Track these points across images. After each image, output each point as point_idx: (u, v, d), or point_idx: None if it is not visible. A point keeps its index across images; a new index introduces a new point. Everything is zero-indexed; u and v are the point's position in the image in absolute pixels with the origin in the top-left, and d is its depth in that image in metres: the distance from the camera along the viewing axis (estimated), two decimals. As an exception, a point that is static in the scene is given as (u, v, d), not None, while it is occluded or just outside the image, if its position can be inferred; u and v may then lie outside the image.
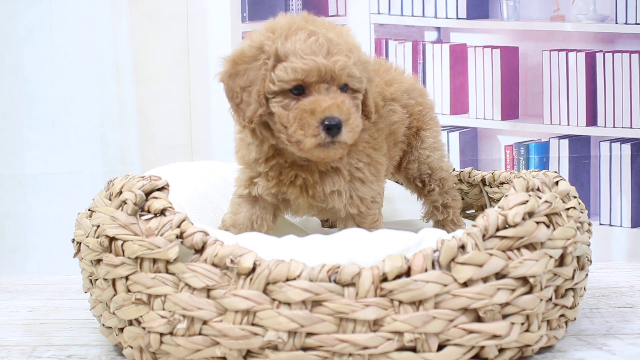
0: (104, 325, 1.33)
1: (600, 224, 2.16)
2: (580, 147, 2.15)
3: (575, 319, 1.39)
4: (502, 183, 1.74)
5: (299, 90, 1.32)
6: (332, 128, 1.30)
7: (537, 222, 1.23)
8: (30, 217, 2.14)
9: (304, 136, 1.31)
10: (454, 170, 1.85)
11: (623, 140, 2.14)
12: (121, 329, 1.27)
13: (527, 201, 1.23)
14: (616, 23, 2.12)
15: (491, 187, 1.79)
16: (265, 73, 1.33)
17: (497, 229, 1.20)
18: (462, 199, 1.82)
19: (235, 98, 1.36)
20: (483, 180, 1.81)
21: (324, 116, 1.30)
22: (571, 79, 2.14)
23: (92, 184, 2.11)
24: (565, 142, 2.15)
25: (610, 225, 2.16)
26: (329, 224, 1.85)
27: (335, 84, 1.32)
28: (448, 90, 2.16)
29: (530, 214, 1.23)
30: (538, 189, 1.30)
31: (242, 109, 1.35)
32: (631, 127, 2.13)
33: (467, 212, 1.90)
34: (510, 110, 2.16)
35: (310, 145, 1.31)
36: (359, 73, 1.34)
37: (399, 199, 1.92)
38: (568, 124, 2.15)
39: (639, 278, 1.84)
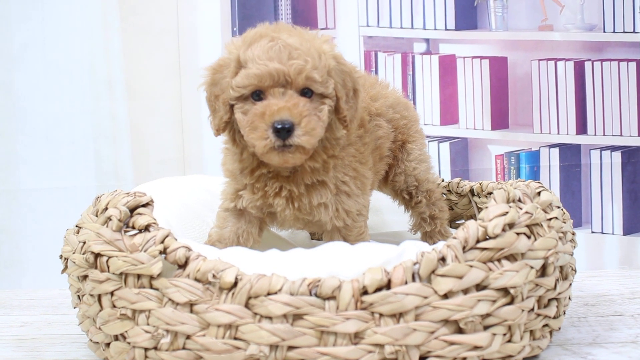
0: (91, 340, 1.35)
1: (592, 232, 2.15)
2: (570, 155, 2.15)
3: (560, 328, 1.40)
4: (490, 193, 1.75)
5: (259, 95, 1.33)
6: (281, 131, 1.29)
7: (518, 233, 1.23)
8: (25, 232, 2.16)
9: (254, 139, 1.32)
10: (442, 181, 1.85)
11: (613, 148, 2.14)
12: (108, 344, 1.28)
13: (507, 212, 1.24)
14: (604, 32, 2.12)
15: (480, 197, 1.79)
16: (229, 80, 1.35)
17: (478, 241, 1.21)
18: (451, 209, 1.83)
19: (211, 106, 1.39)
20: (472, 191, 1.82)
21: (273, 119, 1.30)
22: (560, 88, 2.15)
23: (86, 198, 2.11)
24: (555, 151, 2.15)
25: (602, 233, 2.16)
26: (318, 237, 1.86)
27: (292, 88, 1.32)
28: (438, 101, 2.17)
29: (511, 225, 1.24)
30: (519, 200, 1.31)
31: (214, 116, 1.39)
32: (621, 135, 2.14)
33: (457, 222, 1.90)
34: (500, 120, 2.17)
35: (261, 148, 1.32)
36: (319, 77, 1.33)
37: (387, 210, 1.93)
38: (558, 133, 2.16)
39: (630, 286, 1.84)
